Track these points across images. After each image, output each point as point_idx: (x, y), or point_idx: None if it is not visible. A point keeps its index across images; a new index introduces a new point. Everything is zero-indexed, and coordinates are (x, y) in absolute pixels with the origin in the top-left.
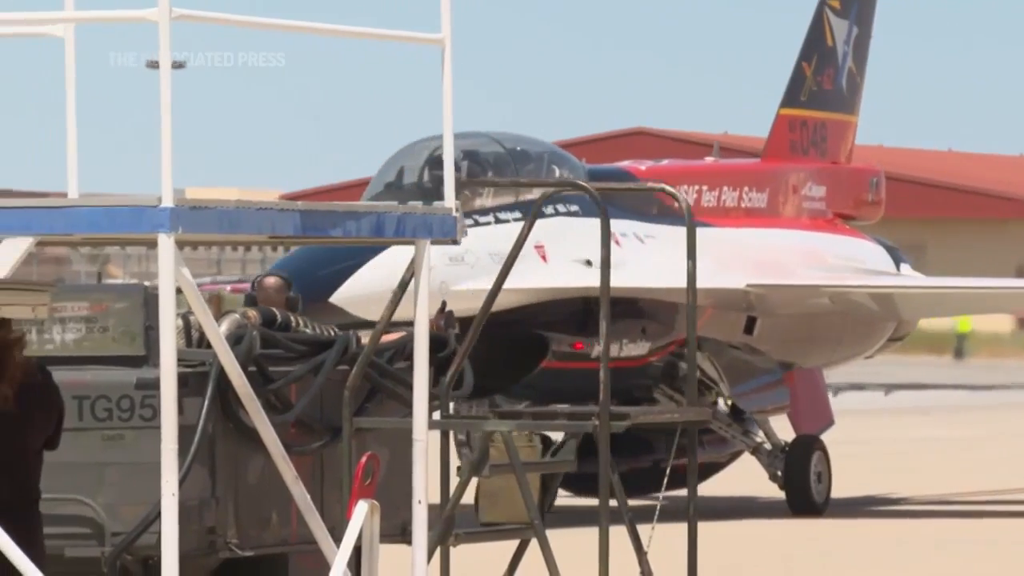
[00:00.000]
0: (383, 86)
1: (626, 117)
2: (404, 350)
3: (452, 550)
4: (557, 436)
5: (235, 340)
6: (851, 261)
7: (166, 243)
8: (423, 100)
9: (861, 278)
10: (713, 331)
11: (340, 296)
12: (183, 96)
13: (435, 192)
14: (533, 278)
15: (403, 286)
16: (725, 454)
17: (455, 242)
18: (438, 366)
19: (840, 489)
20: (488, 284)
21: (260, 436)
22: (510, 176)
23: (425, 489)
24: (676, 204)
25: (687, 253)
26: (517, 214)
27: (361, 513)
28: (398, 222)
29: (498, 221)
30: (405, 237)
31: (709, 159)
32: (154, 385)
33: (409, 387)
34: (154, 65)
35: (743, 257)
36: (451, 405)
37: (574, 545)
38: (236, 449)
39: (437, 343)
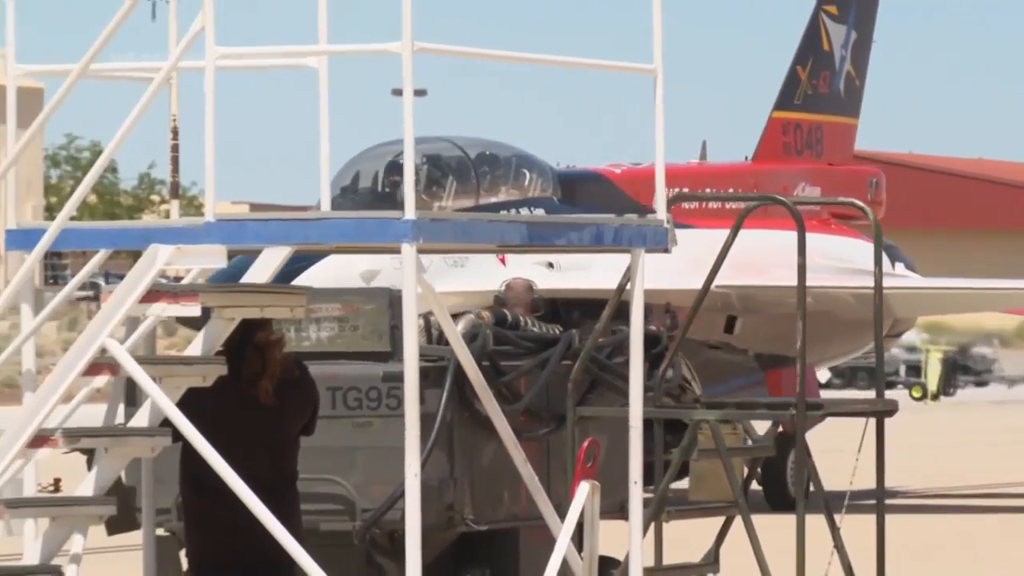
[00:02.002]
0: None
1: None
2: (622, 346)
3: (664, 526)
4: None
5: (470, 338)
6: (839, 260)
7: (408, 252)
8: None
9: (843, 278)
10: (691, 331)
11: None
12: (423, 121)
13: (391, 197)
14: (490, 281)
15: (620, 290)
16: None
17: (666, 250)
18: (651, 360)
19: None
20: (441, 287)
21: (493, 424)
22: (473, 179)
23: (640, 471)
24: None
25: (874, 259)
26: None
27: (583, 492)
28: (615, 232)
29: None
30: (622, 246)
31: (693, 161)
32: (399, 378)
33: (626, 380)
34: (398, 93)
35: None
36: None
37: (771, 524)
38: (472, 435)
39: (650, 340)
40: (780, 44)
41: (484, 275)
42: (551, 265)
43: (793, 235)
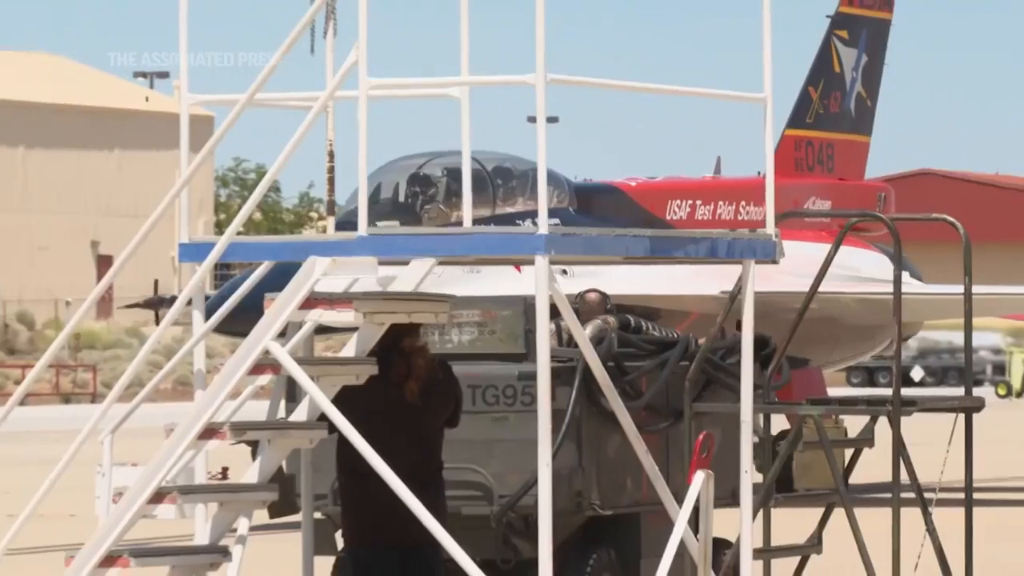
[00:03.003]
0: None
1: (913, 158)
2: (734, 348)
3: (772, 512)
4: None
5: (597, 341)
6: (846, 269)
7: (541, 263)
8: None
9: (849, 285)
10: (698, 335)
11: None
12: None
13: (410, 208)
14: (508, 287)
15: (732, 298)
16: None
17: (774, 262)
18: (761, 361)
19: None
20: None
21: (617, 418)
22: (489, 191)
23: (751, 461)
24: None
25: (964, 270)
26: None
27: (699, 481)
28: (728, 245)
29: None
30: (734, 258)
31: (708, 176)
32: (532, 377)
33: (737, 379)
34: (532, 120)
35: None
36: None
37: (868, 510)
38: (598, 428)
39: (759, 343)
40: (793, 66)
41: (499, 283)
42: (565, 272)
43: (797, 245)
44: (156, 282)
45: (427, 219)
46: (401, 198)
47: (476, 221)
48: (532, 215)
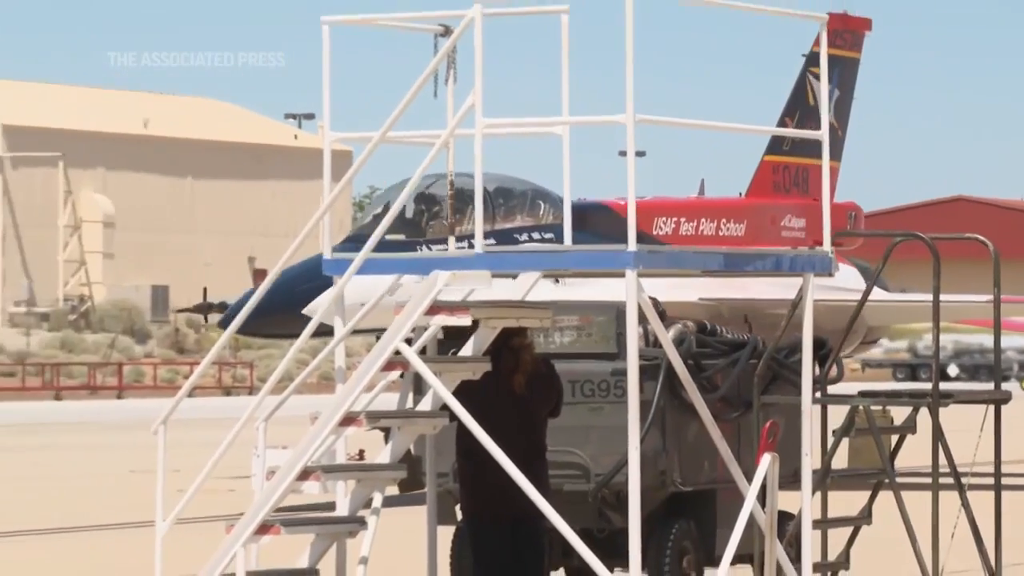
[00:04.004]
0: None
1: (948, 186)
2: (796, 348)
3: (828, 489)
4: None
5: (679, 342)
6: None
7: (631, 276)
8: None
9: (820, 292)
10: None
11: (312, 308)
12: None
13: (416, 224)
14: (511, 294)
15: (794, 306)
16: None
17: (830, 275)
18: (819, 360)
19: None
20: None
21: (695, 408)
22: (490, 208)
23: (810, 445)
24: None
25: (993, 281)
26: (491, 241)
27: (766, 462)
28: (791, 261)
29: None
30: (796, 272)
31: (693, 195)
32: (623, 373)
33: (799, 375)
34: (623, 154)
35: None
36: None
37: (910, 492)
38: (679, 417)
39: (817, 344)
40: (771, 98)
41: (505, 289)
42: (557, 280)
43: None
44: (204, 290)
45: (431, 234)
46: (408, 215)
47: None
48: (528, 230)
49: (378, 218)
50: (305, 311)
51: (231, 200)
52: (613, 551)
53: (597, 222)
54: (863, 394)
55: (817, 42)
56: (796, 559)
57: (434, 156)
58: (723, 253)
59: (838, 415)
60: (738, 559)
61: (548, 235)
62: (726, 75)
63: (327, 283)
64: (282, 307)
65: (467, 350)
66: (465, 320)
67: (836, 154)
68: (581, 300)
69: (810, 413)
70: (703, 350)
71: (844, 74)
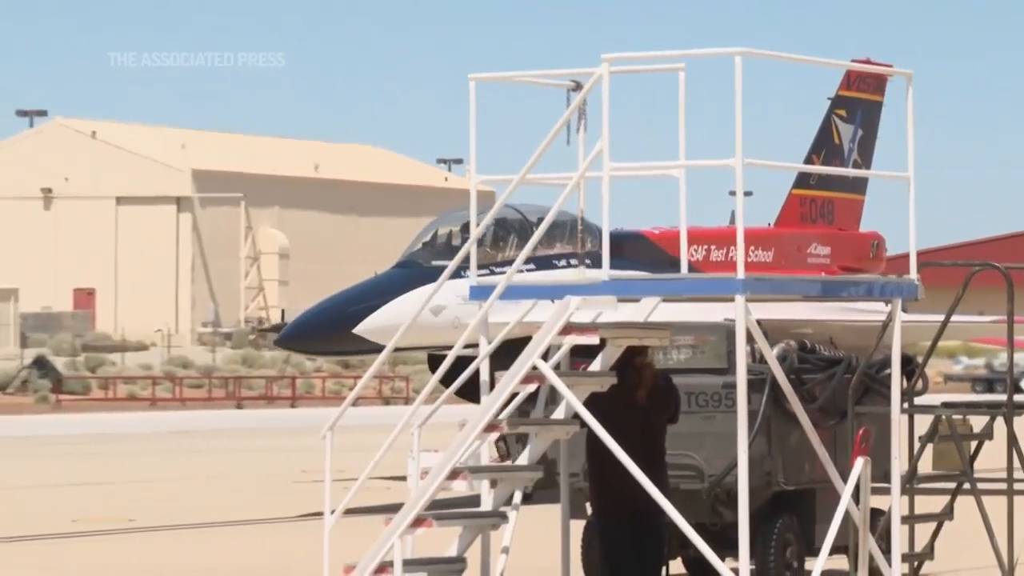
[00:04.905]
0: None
1: (1010, 222)
2: (886, 364)
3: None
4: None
5: (782, 359)
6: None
7: (740, 301)
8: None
9: (836, 314)
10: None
11: (362, 328)
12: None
13: (454, 252)
14: (531, 314)
15: (883, 328)
16: None
17: (916, 299)
18: (907, 375)
19: None
20: (493, 318)
21: (797, 417)
22: (530, 237)
23: (898, 450)
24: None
25: (1007, 297)
26: (531, 266)
27: (859, 465)
28: (881, 287)
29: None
30: (886, 297)
31: (724, 225)
32: (733, 386)
33: (889, 387)
34: (732, 193)
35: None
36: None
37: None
38: (783, 425)
39: (905, 360)
40: (799, 137)
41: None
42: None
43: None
44: (283, 312)
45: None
46: (455, 242)
47: (511, 262)
48: (567, 257)
49: (427, 245)
50: (356, 331)
51: (390, 233)
52: (724, 543)
53: (632, 249)
54: (946, 405)
55: (843, 85)
56: (886, 551)
57: (567, 195)
58: (821, 281)
59: (923, 423)
60: (835, 550)
61: (587, 261)
62: (753, 117)
63: (375, 306)
64: (333, 327)
65: (595, 365)
66: (594, 339)
67: (861, 188)
68: (696, 321)
69: (898, 421)
70: (803, 366)
71: (867, 115)
